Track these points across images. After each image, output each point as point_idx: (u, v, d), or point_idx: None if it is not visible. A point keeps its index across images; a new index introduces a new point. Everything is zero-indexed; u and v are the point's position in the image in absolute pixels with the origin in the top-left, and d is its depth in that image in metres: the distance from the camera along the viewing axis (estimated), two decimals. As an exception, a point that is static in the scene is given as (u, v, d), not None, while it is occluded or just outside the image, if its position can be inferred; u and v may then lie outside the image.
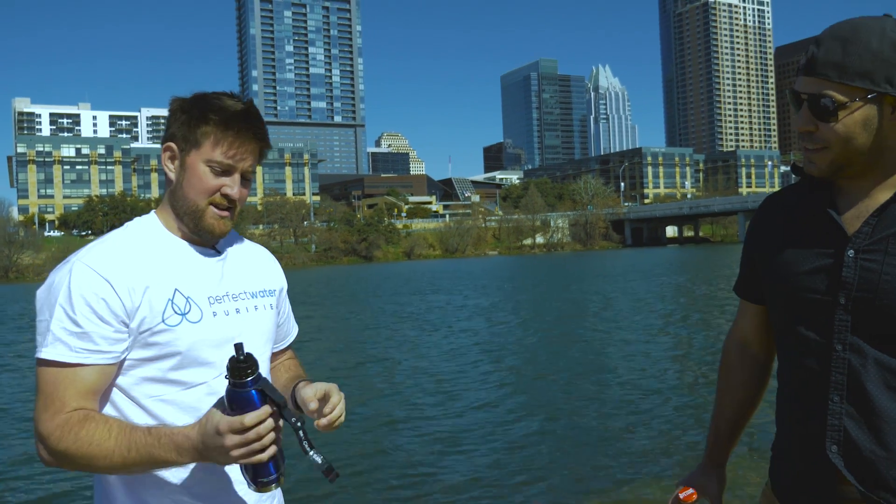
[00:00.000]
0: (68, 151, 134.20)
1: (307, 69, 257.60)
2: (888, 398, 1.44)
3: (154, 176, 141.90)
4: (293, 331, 2.01)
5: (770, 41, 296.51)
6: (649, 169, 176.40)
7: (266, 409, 1.44)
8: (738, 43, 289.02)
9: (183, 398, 1.61)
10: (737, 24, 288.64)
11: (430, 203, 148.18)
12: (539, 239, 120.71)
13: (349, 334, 19.12)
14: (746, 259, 1.75)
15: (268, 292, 1.83)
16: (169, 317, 1.58)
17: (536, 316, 21.23)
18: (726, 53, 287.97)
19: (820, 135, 1.44)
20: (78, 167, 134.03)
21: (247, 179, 1.68)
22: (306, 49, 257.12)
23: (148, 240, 1.65)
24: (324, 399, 1.66)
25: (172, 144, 1.66)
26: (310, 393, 1.66)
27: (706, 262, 52.14)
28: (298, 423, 1.47)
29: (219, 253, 1.74)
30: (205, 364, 1.62)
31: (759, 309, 1.75)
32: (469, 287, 35.66)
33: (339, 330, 20.17)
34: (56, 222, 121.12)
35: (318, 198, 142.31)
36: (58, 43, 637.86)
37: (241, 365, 1.45)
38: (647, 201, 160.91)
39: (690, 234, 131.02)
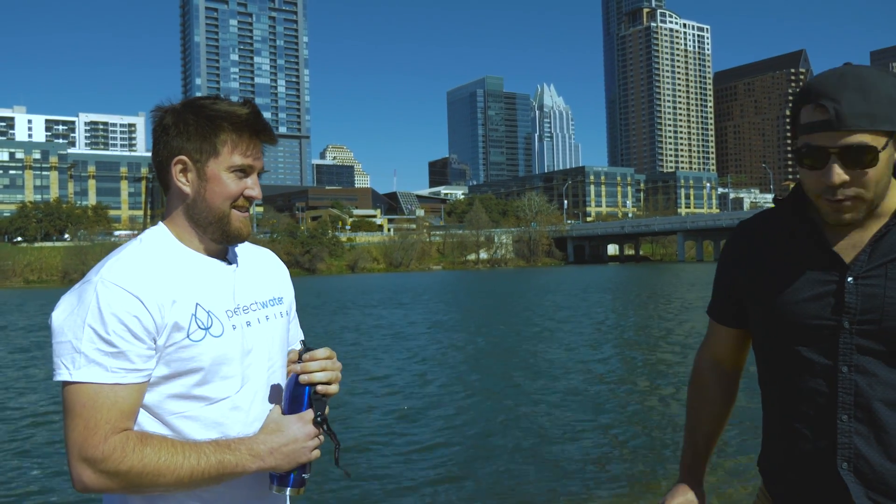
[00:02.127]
0: (1, 156, 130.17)
1: (252, 79, 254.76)
2: (895, 415, 1.53)
3: (92, 182, 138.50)
4: (297, 337, 1.98)
5: (709, 66, 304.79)
6: (592, 188, 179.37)
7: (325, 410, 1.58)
8: (678, 67, 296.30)
9: (207, 414, 1.61)
10: (678, 49, 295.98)
11: (374, 216, 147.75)
12: (483, 255, 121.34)
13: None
14: (723, 284, 1.81)
15: (277, 300, 1.83)
16: (193, 332, 1.58)
17: (483, 330, 21.36)
18: (667, 77, 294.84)
19: (854, 183, 1.50)
20: (11, 172, 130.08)
21: (258, 177, 1.73)
22: (252, 59, 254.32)
23: (165, 253, 1.63)
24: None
25: (185, 158, 1.63)
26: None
27: (647, 280, 53.17)
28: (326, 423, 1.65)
29: (229, 264, 1.73)
30: (227, 378, 1.62)
31: (732, 332, 1.84)
32: (415, 301, 35.66)
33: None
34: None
35: (261, 209, 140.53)
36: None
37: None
38: (589, 219, 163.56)
39: (631, 252, 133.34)
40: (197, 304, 1.60)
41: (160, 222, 1.72)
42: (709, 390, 1.90)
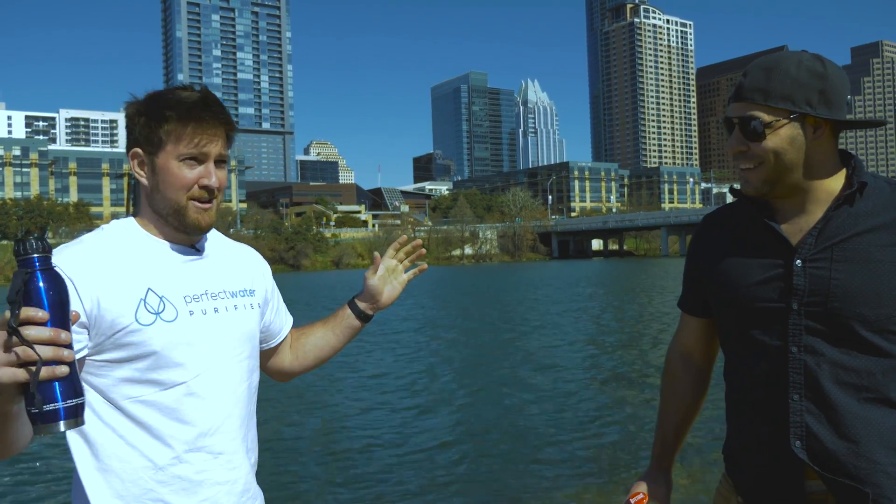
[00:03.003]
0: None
1: (235, 74, 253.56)
2: (843, 393, 1.58)
3: (73, 179, 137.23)
4: (287, 323, 2.01)
5: (692, 62, 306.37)
6: (576, 183, 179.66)
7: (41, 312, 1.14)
8: (662, 62, 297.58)
9: (161, 399, 1.58)
10: (661, 45, 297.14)
11: (359, 212, 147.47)
12: (468, 250, 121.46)
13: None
14: (689, 276, 1.90)
15: (248, 292, 1.81)
16: (142, 316, 1.56)
17: (473, 325, 21.37)
18: (650, 72, 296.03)
19: (752, 153, 1.61)
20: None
21: (222, 162, 1.68)
22: (234, 54, 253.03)
23: (122, 241, 1.64)
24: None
25: (138, 150, 1.65)
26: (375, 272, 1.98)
27: (631, 274, 53.38)
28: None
29: (199, 252, 1.73)
30: (181, 364, 1.60)
31: (701, 322, 1.90)
32: (405, 296, 35.54)
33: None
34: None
35: (244, 205, 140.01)
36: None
37: (36, 247, 1.16)
38: (573, 214, 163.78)
39: (615, 247, 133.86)
40: (149, 288, 1.59)
41: (130, 215, 1.73)
42: (678, 383, 1.95)
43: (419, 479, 7.13)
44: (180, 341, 1.60)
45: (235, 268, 1.81)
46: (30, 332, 1.12)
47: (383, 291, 2.05)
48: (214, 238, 1.81)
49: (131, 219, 1.71)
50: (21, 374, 1.13)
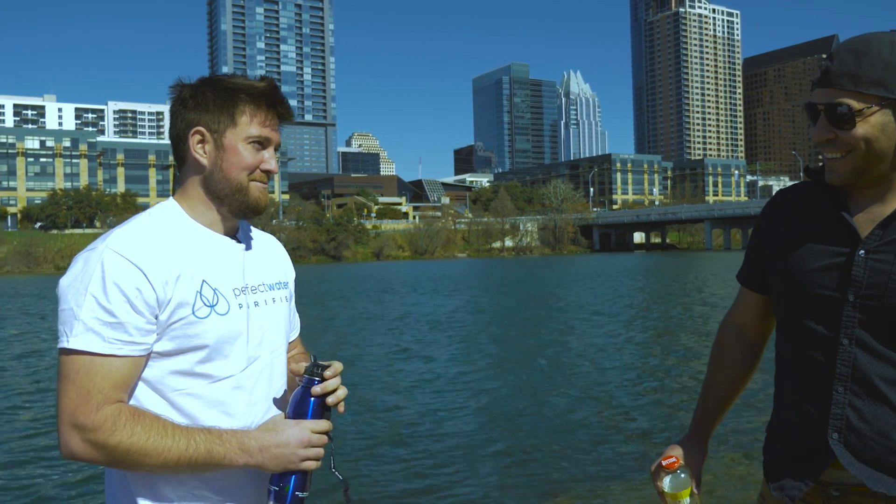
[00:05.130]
0: (32, 143, 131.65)
1: (278, 67, 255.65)
2: (890, 390, 1.55)
3: (121, 171, 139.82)
4: (296, 326, 1.99)
5: (738, 52, 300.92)
6: (618, 175, 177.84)
7: (328, 422, 1.57)
8: (707, 53, 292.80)
9: (209, 392, 1.59)
10: (706, 35, 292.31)
11: (399, 204, 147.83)
12: (508, 242, 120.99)
13: (340, 333, 18.98)
14: (753, 250, 1.85)
15: (283, 284, 1.82)
16: (199, 308, 1.56)
17: (520, 318, 21.25)
18: (696, 63, 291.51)
19: (840, 141, 1.52)
20: (42, 160, 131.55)
21: (277, 150, 1.72)
22: (278, 46, 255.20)
23: (174, 227, 1.62)
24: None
25: (202, 129, 1.62)
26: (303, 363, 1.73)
27: (675, 268, 52.65)
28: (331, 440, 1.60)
29: (239, 243, 1.72)
30: (231, 357, 1.61)
31: (758, 297, 1.87)
32: (445, 288, 35.61)
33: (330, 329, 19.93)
34: (18, 216, 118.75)
35: (287, 196, 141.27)
36: (23, 34, 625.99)
37: (318, 372, 1.57)
38: (615, 207, 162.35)
39: (658, 240, 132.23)
40: (203, 280, 1.59)
41: (171, 197, 1.70)
42: (728, 353, 1.92)
43: (458, 467, 7.07)
44: (232, 335, 1.60)
45: (270, 259, 1.82)
46: (322, 437, 1.59)
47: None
48: (245, 228, 1.80)
49: (174, 202, 1.68)
50: (314, 465, 1.59)
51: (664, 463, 1.77)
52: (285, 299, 1.81)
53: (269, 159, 1.67)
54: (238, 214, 1.68)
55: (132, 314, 1.49)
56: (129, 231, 1.56)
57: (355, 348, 15.77)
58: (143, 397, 1.56)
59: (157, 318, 1.52)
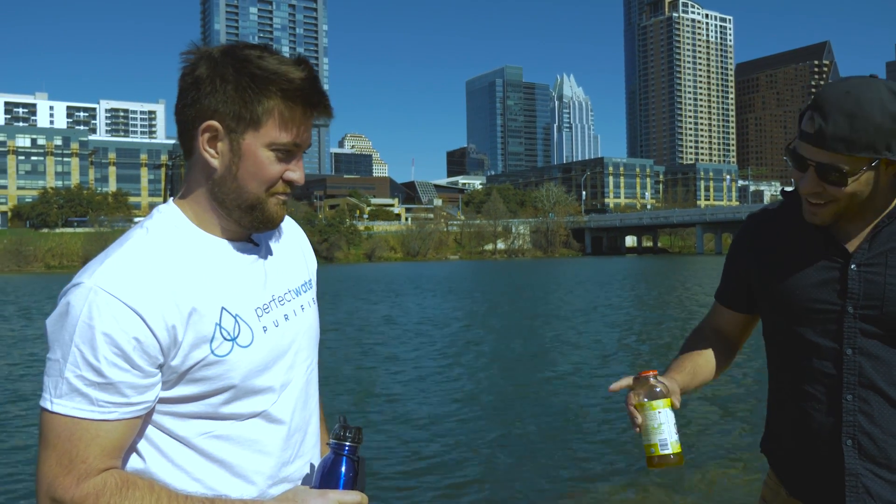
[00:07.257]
0: (23, 142, 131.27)
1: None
2: None
3: (112, 170, 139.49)
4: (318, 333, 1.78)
5: (731, 57, 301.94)
6: (610, 179, 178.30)
7: (362, 494, 1.40)
8: (700, 58, 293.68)
9: (240, 432, 1.37)
10: (699, 40, 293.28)
11: (392, 205, 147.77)
12: (500, 245, 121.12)
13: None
14: (732, 272, 1.92)
15: (308, 284, 1.58)
16: (218, 346, 1.31)
17: (509, 321, 21.25)
18: (688, 68, 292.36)
19: (828, 193, 1.60)
20: (33, 158, 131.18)
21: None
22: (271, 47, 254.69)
23: (179, 244, 1.34)
24: None
25: (216, 124, 1.31)
26: None
27: (668, 272, 52.77)
28: None
29: (257, 246, 1.46)
30: (261, 391, 1.38)
31: (738, 316, 1.95)
32: (436, 291, 35.57)
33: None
34: (9, 214, 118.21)
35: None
36: (15, 31, 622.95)
37: (349, 435, 1.40)
38: (608, 209, 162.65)
39: (649, 244, 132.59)
40: (222, 308, 1.33)
41: (171, 201, 1.42)
42: (702, 340, 1.96)
43: (460, 468, 7.04)
44: (259, 367, 1.37)
45: (292, 255, 1.57)
46: None
47: None
48: None
49: (175, 208, 1.39)
50: None
51: (642, 375, 1.76)
52: (313, 302, 1.57)
53: (295, 168, 1.37)
54: (249, 229, 1.41)
55: (127, 372, 1.24)
56: (122, 259, 1.28)
57: (347, 351, 15.73)
58: (165, 447, 1.34)
59: (161, 367, 1.28)
